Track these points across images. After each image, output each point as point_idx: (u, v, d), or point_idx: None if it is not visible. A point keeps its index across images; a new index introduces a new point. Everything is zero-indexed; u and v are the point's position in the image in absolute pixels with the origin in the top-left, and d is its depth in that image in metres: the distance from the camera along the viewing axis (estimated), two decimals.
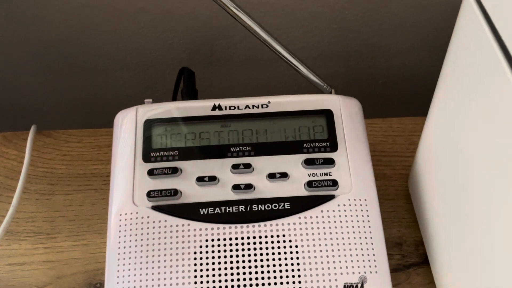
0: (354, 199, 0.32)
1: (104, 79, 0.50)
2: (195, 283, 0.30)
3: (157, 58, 0.49)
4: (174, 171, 0.32)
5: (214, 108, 0.35)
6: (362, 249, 0.31)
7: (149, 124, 0.34)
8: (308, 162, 0.33)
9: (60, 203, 0.39)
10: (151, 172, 0.32)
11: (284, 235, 0.31)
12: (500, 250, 0.25)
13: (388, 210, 0.38)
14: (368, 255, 0.31)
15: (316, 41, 0.49)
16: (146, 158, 0.33)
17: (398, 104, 0.54)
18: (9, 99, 0.52)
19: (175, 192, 0.32)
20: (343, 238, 0.31)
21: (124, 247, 0.31)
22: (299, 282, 0.30)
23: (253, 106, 0.35)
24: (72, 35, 0.46)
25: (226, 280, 0.30)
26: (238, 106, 0.35)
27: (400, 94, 0.53)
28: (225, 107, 0.35)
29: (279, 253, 0.30)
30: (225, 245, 0.30)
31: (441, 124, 0.32)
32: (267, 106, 0.35)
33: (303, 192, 0.32)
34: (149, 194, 0.32)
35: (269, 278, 0.30)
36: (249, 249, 0.30)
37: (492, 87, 0.23)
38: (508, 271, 0.24)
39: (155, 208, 0.31)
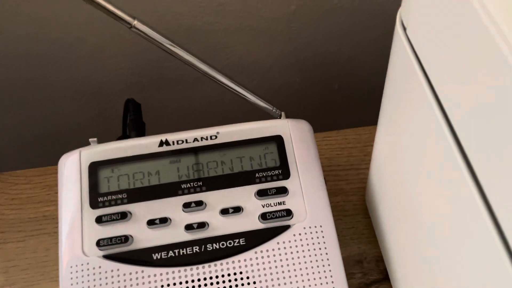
0: (310, 227, 0.32)
1: (49, 112, 0.48)
2: None
3: (105, 85, 0.47)
4: (123, 216, 0.31)
5: (161, 144, 0.34)
6: (320, 277, 0.31)
7: (95, 167, 0.33)
8: (261, 193, 0.32)
9: (12, 251, 0.38)
10: (99, 220, 0.31)
11: (241, 272, 0.30)
12: (455, 264, 0.25)
13: (347, 227, 0.38)
14: (327, 283, 0.30)
15: (266, 54, 0.48)
16: (94, 204, 0.32)
17: (353, 111, 0.54)
18: None
19: (125, 239, 0.31)
20: (300, 269, 0.31)
21: None
22: None
23: (202, 138, 0.34)
24: (11, 64, 0.44)
25: None
26: (186, 140, 0.34)
27: (355, 101, 0.53)
28: (173, 142, 0.34)
29: None
30: None
31: (388, 137, 0.32)
32: (216, 137, 0.34)
33: (257, 225, 0.32)
34: (98, 243, 0.31)
35: None
36: None
37: (421, 116, 0.23)
38: (467, 285, 0.24)
39: (106, 257, 0.30)
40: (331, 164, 0.42)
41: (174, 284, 0.30)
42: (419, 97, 0.22)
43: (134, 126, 0.38)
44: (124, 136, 0.40)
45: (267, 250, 0.31)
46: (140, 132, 0.38)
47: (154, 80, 0.48)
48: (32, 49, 0.44)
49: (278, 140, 0.34)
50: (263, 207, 0.32)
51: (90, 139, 0.35)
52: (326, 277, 0.31)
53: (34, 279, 0.36)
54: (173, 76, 0.48)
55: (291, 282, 0.30)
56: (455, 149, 0.20)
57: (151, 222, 0.31)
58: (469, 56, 0.17)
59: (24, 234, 0.39)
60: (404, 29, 0.23)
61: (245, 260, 0.31)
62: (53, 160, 0.42)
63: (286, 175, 0.33)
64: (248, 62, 0.49)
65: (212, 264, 0.30)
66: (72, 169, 0.33)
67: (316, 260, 0.31)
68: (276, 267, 0.30)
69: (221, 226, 0.31)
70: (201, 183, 0.33)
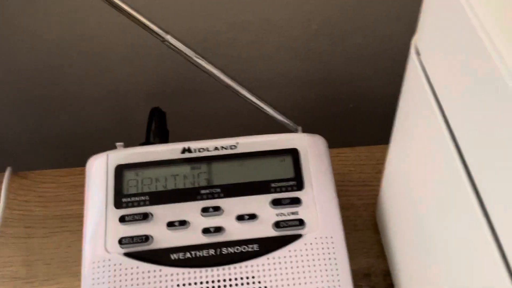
0: (321, 237, 0.33)
1: (78, 118, 0.51)
2: None
3: (130, 93, 0.50)
4: (145, 217, 0.33)
5: (183, 151, 0.36)
6: (329, 286, 0.32)
7: (120, 170, 0.35)
8: (276, 203, 0.34)
9: (36, 246, 0.40)
10: (122, 219, 0.33)
11: (253, 277, 0.32)
12: (463, 281, 0.26)
13: (356, 241, 0.39)
14: None
15: (283, 72, 0.50)
16: (118, 204, 0.34)
17: (367, 130, 0.55)
18: None
19: (146, 238, 0.32)
20: (310, 277, 0.32)
21: None
22: None
23: (222, 147, 0.36)
24: (43, 75, 0.47)
25: None
26: (207, 148, 0.36)
27: (369, 120, 0.55)
28: (194, 150, 0.36)
29: None
30: None
31: (399, 157, 0.33)
32: (236, 147, 0.36)
33: (271, 232, 0.33)
34: (120, 241, 0.32)
35: None
36: None
37: (432, 142, 0.24)
38: None
39: (127, 254, 0.32)
40: (344, 180, 0.43)
41: (190, 284, 0.31)
42: (430, 121, 0.24)
43: (158, 133, 0.40)
44: (148, 142, 0.42)
45: (279, 257, 0.32)
46: (164, 139, 0.40)
47: (178, 90, 0.50)
48: (63, 58, 0.46)
49: (294, 153, 0.36)
50: (277, 215, 0.34)
51: (117, 143, 0.37)
52: (335, 286, 0.32)
53: (55, 273, 0.38)
54: (196, 87, 0.50)
55: None
56: (464, 175, 0.21)
57: (170, 224, 0.33)
58: (476, 83, 0.19)
59: (48, 231, 0.41)
60: (418, 54, 0.25)
61: (257, 265, 0.32)
62: (79, 162, 0.45)
63: (300, 186, 0.35)
64: (267, 77, 0.51)
65: (226, 267, 0.32)
66: (99, 170, 0.35)
67: (326, 270, 0.32)
68: (287, 273, 0.32)
69: (236, 231, 0.33)
70: (219, 190, 0.34)
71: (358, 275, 0.37)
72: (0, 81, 0.47)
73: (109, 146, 0.36)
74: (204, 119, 0.52)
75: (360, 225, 0.40)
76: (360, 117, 0.55)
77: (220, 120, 0.52)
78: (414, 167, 0.30)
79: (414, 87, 0.26)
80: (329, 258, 0.33)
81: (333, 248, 0.33)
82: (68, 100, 0.50)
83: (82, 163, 0.43)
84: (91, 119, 0.51)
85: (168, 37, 0.31)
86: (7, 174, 0.43)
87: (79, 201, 0.42)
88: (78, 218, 0.41)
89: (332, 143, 0.38)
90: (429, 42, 0.23)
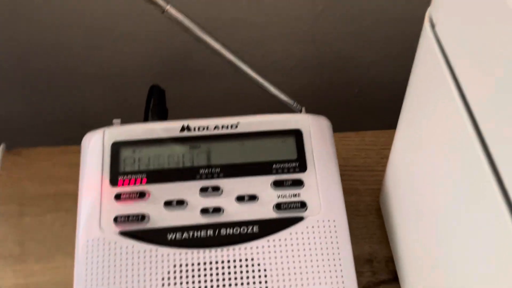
0: (323, 221, 0.32)
1: (75, 95, 0.50)
2: None
3: (128, 72, 0.48)
4: (142, 195, 0.32)
5: (182, 129, 0.34)
6: (330, 270, 0.31)
7: (117, 147, 0.34)
8: (277, 184, 0.33)
9: (30, 224, 0.39)
10: (118, 197, 0.32)
11: (252, 259, 0.31)
12: (466, 268, 0.25)
13: (359, 226, 0.38)
14: (337, 276, 0.31)
15: (289, 54, 0.49)
16: (114, 181, 0.33)
17: (373, 115, 0.54)
18: None
19: (142, 217, 0.31)
20: (311, 261, 0.31)
21: (91, 273, 0.30)
22: None
23: (222, 126, 0.35)
24: (41, 50, 0.45)
25: None
26: (207, 127, 0.35)
27: (374, 105, 0.54)
28: (194, 128, 0.34)
29: (247, 277, 0.30)
30: (193, 270, 0.30)
31: (406, 141, 0.32)
32: (237, 126, 0.35)
33: (272, 214, 0.32)
34: (116, 220, 0.31)
35: None
36: (217, 274, 0.30)
37: (445, 119, 0.23)
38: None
39: (122, 233, 0.31)
40: (347, 164, 0.42)
41: (187, 265, 0.30)
42: (445, 97, 0.23)
43: (157, 111, 0.39)
44: (146, 121, 0.41)
45: (280, 240, 0.31)
46: (163, 117, 0.39)
47: (178, 70, 0.49)
48: (60, 35, 0.45)
49: (297, 134, 0.34)
50: (278, 197, 0.32)
51: (114, 120, 0.36)
52: (336, 270, 0.31)
53: (50, 252, 0.37)
54: (197, 67, 0.49)
55: (301, 273, 0.31)
56: (482, 156, 0.19)
57: (168, 203, 0.32)
58: (499, 55, 0.18)
59: (42, 209, 0.40)
60: (433, 26, 0.23)
61: (257, 247, 0.31)
62: (75, 140, 0.43)
63: (303, 168, 0.33)
64: (271, 60, 0.50)
65: (225, 248, 0.31)
66: (95, 147, 0.34)
67: (327, 254, 0.31)
68: (287, 256, 0.31)
69: (236, 212, 0.32)
70: (219, 169, 0.33)
71: (360, 260, 0.36)
72: None
73: (106, 125, 0.35)
74: (205, 100, 0.51)
75: (363, 210, 0.39)
76: (365, 102, 0.54)
77: (221, 102, 0.51)
78: (423, 150, 0.28)
79: (427, 62, 0.25)
80: (331, 242, 0.32)
81: (336, 232, 0.32)
82: (65, 77, 0.48)
83: (78, 142, 0.42)
84: (88, 98, 0.50)
85: (169, 7, 0.30)
86: (0, 150, 0.41)
87: (75, 179, 0.41)
88: (73, 197, 0.40)
89: (337, 128, 0.37)
90: (445, 12, 0.22)
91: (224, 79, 0.49)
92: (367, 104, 0.54)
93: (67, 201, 0.40)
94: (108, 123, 0.35)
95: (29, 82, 0.48)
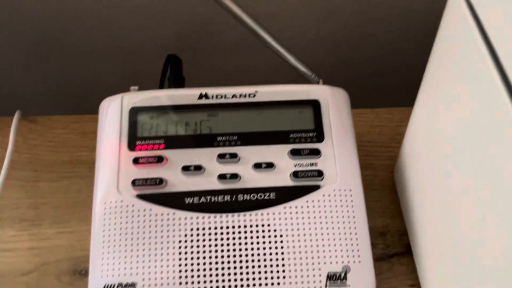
0: (339, 190, 0.32)
1: (89, 65, 0.49)
2: (180, 271, 0.30)
3: (143, 44, 0.48)
4: (160, 160, 0.32)
5: (200, 96, 0.34)
6: (346, 239, 0.31)
7: (135, 112, 0.34)
8: (294, 153, 0.33)
9: (45, 190, 0.39)
10: (136, 161, 0.32)
11: (269, 225, 0.31)
12: (482, 241, 0.25)
13: (373, 200, 0.38)
14: (352, 245, 0.31)
15: (304, 30, 0.48)
16: (131, 146, 0.33)
17: (386, 94, 0.54)
18: None
19: (160, 181, 0.31)
20: (327, 228, 0.31)
21: (109, 235, 0.31)
22: (283, 271, 0.30)
23: (240, 95, 0.35)
24: (57, 19, 0.45)
25: (210, 269, 0.30)
26: (225, 95, 0.34)
27: (388, 84, 0.53)
28: (212, 96, 0.34)
29: (263, 243, 0.30)
30: (210, 234, 0.30)
31: (426, 115, 0.32)
32: (254, 95, 0.35)
33: (288, 182, 0.32)
34: (134, 183, 0.31)
35: (253, 267, 0.30)
36: (233, 239, 0.30)
37: (475, 81, 0.23)
38: (490, 263, 0.25)
39: (140, 196, 0.31)
40: (362, 140, 0.42)
41: (203, 229, 0.30)
42: (475, 57, 0.22)
43: (174, 79, 0.38)
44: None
45: (296, 207, 0.31)
46: (180, 86, 0.39)
47: (194, 43, 0.49)
48: (78, 6, 0.45)
49: (315, 104, 0.34)
50: (295, 166, 0.33)
51: (131, 87, 0.36)
52: (351, 239, 0.31)
53: (64, 217, 0.38)
54: (212, 42, 0.48)
55: (317, 240, 0.31)
56: None
57: (186, 168, 0.32)
58: None
59: (57, 175, 0.40)
60: None
61: (273, 213, 0.31)
62: (88, 110, 0.44)
63: (320, 138, 0.33)
64: (285, 36, 0.49)
65: (241, 214, 0.31)
66: (113, 112, 0.34)
67: (343, 222, 0.31)
68: (303, 223, 0.31)
69: (253, 179, 0.32)
70: (236, 137, 0.33)
71: (374, 233, 0.36)
72: (13, 27, 0.46)
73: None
74: (220, 73, 0.51)
75: (377, 185, 0.39)
76: (380, 81, 0.53)
77: (237, 75, 0.51)
78: (447, 118, 0.28)
79: (454, 25, 0.25)
80: (347, 211, 0.32)
81: (352, 201, 0.32)
82: (81, 48, 0.48)
83: (91, 111, 0.42)
84: (103, 69, 0.50)
85: None
86: (16, 117, 0.42)
87: (89, 147, 0.42)
88: (87, 164, 0.40)
89: (351, 104, 0.36)
90: None
91: (240, 52, 0.49)
92: (381, 83, 0.54)
93: (82, 168, 0.40)
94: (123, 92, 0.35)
95: (44, 52, 0.48)
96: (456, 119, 0.26)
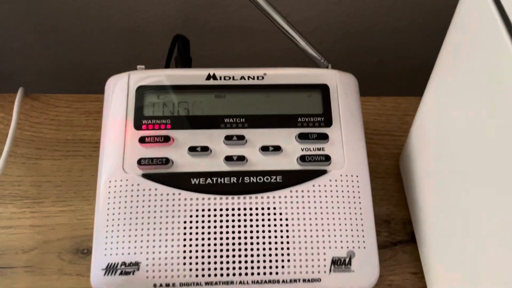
0: (346, 175, 0.32)
1: (94, 44, 0.49)
2: (184, 252, 0.30)
3: (149, 25, 0.48)
4: (166, 139, 0.32)
5: (208, 77, 0.34)
6: (351, 224, 0.31)
7: (142, 91, 0.33)
8: (302, 137, 0.32)
9: (47, 168, 0.39)
10: (142, 140, 0.32)
11: (275, 208, 0.31)
12: (486, 230, 0.25)
13: (378, 187, 0.38)
14: (357, 230, 0.31)
15: (313, 15, 0.48)
16: (138, 125, 0.32)
17: (392, 83, 0.53)
18: None
19: (166, 161, 0.31)
20: (333, 213, 0.31)
21: (113, 214, 0.30)
22: (288, 254, 0.30)
23: (249, 77, 0.34)
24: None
25: (215, 250, 0.30)
26: (233, 77, 0.34)
27: (395, 73, 0.53)
28: (220, 77, 0.34)
29: (269, 226, 0.30)
30: (215, 215, 0.30)
31: (437, 105, 0.32)
32: (263, 78, 0.34)
33: (295, 166, 0.32)
34: (140, 162, 0.31)
35: (258, 249, 0.30)
36: (239, 221, 0.30)
37: (493, 70, 0.23)
38: (494, 252, 0.25)
39: (145, 176, 0.31)
40: (368, 128, 0.41)
41: (209, 210, 0.30)
42: (495, 51, 0.22)
43: (182, 60, 0.38)
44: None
45: (303, 191, 0.31)
46: (187, 66, 0.38)
47: (199, 26, 0.48)
48: None
49: (324, 89, 0.34)
50: (303, 150, 0.32)
51: (138, 66, 0.35)
52: (357, 224, 0.31)
53: (67, 195, 0.37)
54: (219, 24, 0.48)
55: (322, 224, 0.31)
56: None
57: (192, 149, 0.32)
58: None
59: (60, 153, 0.39)
60: None
61: (279, 197, 0.31)
62: (92, 89, 0.43)
63: (328, 123, 0.33)
64: (293, 20, 0.49)
65: (247, 196, 0.31)
66: (120, 90, 0.33)
67: (349, 208, 0.31)
68: (309, 207, 0.31)
69: (260, 162, 0.32)
70: (243, 119, 0.33)
71: (378, 221, 0.36)
72: (18, 5, 0.45)
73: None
74: (227, 56, 0.50)
75: (383, 173, 0.39)
76: (386, 69, 0.53)
77: (244, 58, 0.50)
78: (457, 112, 0.28)
79: (472, 12, 0.24)
80: (353, 197, 0.32)
81: (358, 187, 0.32)
82: (86, 26, 0.47)
83: (94, 91, 0.42)
84: (108, 49, 0.49)
85: None
86: (19, 94, 0.41)
87: (93, 127, 0.41)
88: (91, 144, 0.40)
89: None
90: None
91: (246, 35, 0.49)
92: (387, 72, 0.53)
93: (85, 147, 0.40)
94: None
95: (48, 30, 0.47)
96: (469, 110, 0.26)
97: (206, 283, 0.29)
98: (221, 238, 0.30)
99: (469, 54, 0.25)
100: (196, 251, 0.29)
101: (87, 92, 0.43)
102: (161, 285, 0.29)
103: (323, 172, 0.32)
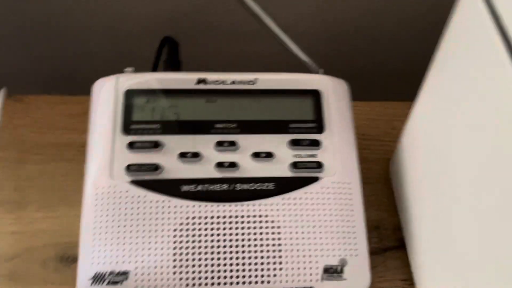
0: (338, 182, 0.32)
1: (79, 45, 0.48)
2: (174, 260, 0.29)
3: (136, 25, 0.47)
4: (156, 145, 0.31)
5: (199, 81, 0.33)
6: (343, 232, 0.31)
7: (130, 95, 0.32)
8: (294, 143, 0.32)
9: (30, 172, 0.37)
10: (131, 145, 0.31)
11: (266, 215, 0.30)
12: (478, 238, 0.25)
13: (368, 194, 0.38)
14: (349, 238, 0.31)
15: (301, 18, 0.47)
16: (126, 130, 0.32)
17: (380, 88, 0.54)
18: None
19: (156, 167, 0.30)
20: (325, 221, 0.31)
21: (100, 222, 0.29)
22: (280, 263, 0.29)
23: (240, 82, 0.34)
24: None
25: (206, 259, 0.29)
26: (224, 81, 0.34)
27: (382, 78, 0.53)
28: (211, 81, 0.33)
29: (260, 233, 0.30)
30: (206, 223, 0.30)
31: (430, 110, 0.32)
32: (254, 83, 0.34)
33: (287, 173, 0.31)
34: (128, 168, 0.30)
35: (249, 258, 0.29)
36: (230, 228, 0.30)
37: (489, 78, 0.23)
38: (486, 259, 0.25)
39: (134, 182, 0.30)
40: (357, 133, 0.41)
41: (200, 217, 0.30)
42: (490, 57, 0.22)
43: (171, 63, 0.37)
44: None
45: (295, 198, 0.31)
46: (176, 70, 0.38)
47: (188, 28, 0.47)
48: None
49: (315, 94, 0.34)
50: (294, 156, 0.32)
51: (125, 69, 0.34)
52: (349, 232, 0.31)
53: (51, 201, 0.36)
54: (209, 26, 0.47)
55: (314, 232, 0.30)
56: None
57: (182, 155, 0.31)
58: None
59: (43, 157, 0.38)
60: None
61: (271, 204, 0.31)
62: (76, 91, 0.42)
63: (320, 129, 0.33)
64: (280, 23, 0.48)
65: (239, 204, 0.30)
66: (107, 93, 0.33)
67: (341, 215, 0.31)
68: (301, 215, 0.30)
69: (251, 168, 0.31)
70: (235, 125, 0.32)
71: (368, 227, 0.35)
72: (1, 4, 0.43)
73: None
74: (217, 59, 0.50)
75: (372, 178, 0.39)
76: (375, 73, 0.53)
77: (234, 61, 0.50)
78: (452, 118, 0.28)
79: (467, 19, 0.24)
80: (345, 204, 0.31)
81: (350, 194, 0.32)
82: (70, 27, 0.46)
83: (80, 93, 0.40)
84: (93, 51, 0.48)
85: None
86: (1, 95, 0.40)
87: (77, 130, 0.40)
88: (75, 148, 0.39)
89: None
90: None
91: (236, 38, 0.48)
92: (374, 76, 0.53)
93: (69, 151, 0.39)
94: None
95: (32, 29, 0.46)
96: (465, 117, 0.26)
97: None
98: (212, 246, 0.29)
99: (466, 60, 0.25)
100: (187, 259, 0.29)
101: (72, 93, 0.42)
102: None
103: (315, 179, 0.31)
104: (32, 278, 0.33)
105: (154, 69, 0.40)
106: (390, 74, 0.53)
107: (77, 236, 0.29)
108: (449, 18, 0.27)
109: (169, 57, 0.38)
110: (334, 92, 0.34)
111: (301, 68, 0.36)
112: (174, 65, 0.37)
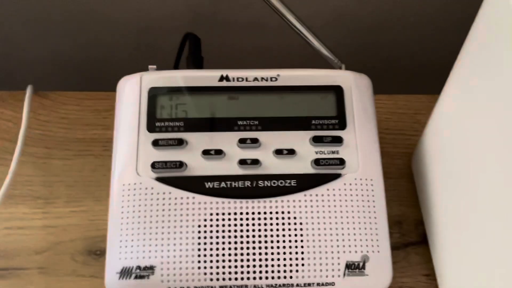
0: (361, 179, 0.32)
1: (101, 42, 0.48)
2: (199, 255, 0.30)
3: (157, 22, 0.47)
4: (180, 142, 0.32)
5: (221, 79, 0.34)
6: (365, 228, 0.31)
7: (154, 93, 0.33)
8: (316, 140, 0.32)
9: (58, 167, 0.38)
10: (156, 143, 0.32)
11: (289, 212, 0.31)
12: (501, 233, 0.25)
13: (389, 188, 0.37)
14: (371, 234, 0.31)
15: (321, 12, 0.47)
16: (151, 128, 0.32)
17: (403, 81, 0.53)
18: (4, 57, 0.50)
19: (180, 164, 0.31)
20: (347, 217, 0.31)
21: (127, 218, 0.30)
22: (302, 259, 0.30)
23: (262, 78, 0.34)
24: None
25: (229, 255, 0.30)
26: (246, 78, 0.34)
27: (405, 71, 0.53)
28: (233, 78, 0.34)
29: (283, 230, 0.30)
30: (229, 219, 0.30)
31: (456, 105, 0.31)
32: (276, 79, 0.34)
33: (309, 169, 0.32)
34: (153, 165, 0.31)
35: (272, 254, 0.30)
36: (253, 225, 0.30)
37: None
38: (509, 254, 0.25)
39: (159, 179, 0.31)
40: (379, 127, 0.41)
41: (223, 214, 0.30)
42: None
43: (193, 60, 0.37)
44: (176, 69, 0.40)
45: (317, 195, 0.31)
46: (198, 66, 0.38)
47: (208, 23, 0.47)
48: None
49: (338, 90, 0.34)
50: (317, 153, 0.32)
51: (149, 66, 0.35)
52: (371, 228, 0.31)
53: (79, 196, 0.37)
54: (229, 20, 0.47)
55: (336, 228, 0.30)
56: None
57: (206, 152, 0.31)
58: None
59: (71, 153, 0.39)
60: None
61: (294, 201, 0.31)
62: (102, 87, 0.43)
63: (342, 125, 0.33)
64: (302, 14, 0.48)
65: (262, 200, 0.31)
66: (131, 92, 0.33)
67: (364, 212, 0.31)
68: (323, 212, 0.31)
69: (273, 165, 0.32)
70: (257, 122, 0.33)
71: (390, 222, 0.35)
72: (28, 2, 0.44)
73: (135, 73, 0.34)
74: (237, 54, 0.50)
75: (394, 173, 0.39)
76: (398, 67, 0.53)
77: (256, 56, 0.50)
78: (479, 114, 0.27)
79: (496, 6, 0.24)
80: (368, 201, 0.31)
81: (372, 191, 0.32)
82: (95, 25, 0.47)
83: (104, 88, 0.41)
84: (115, 46, 0.49)
85: None
86: (28, 92, 0.41)
87: (103, 125, 0.41)
88: (102, 143, 0.40)
89: None
90: None
91: (256, 32, 0.48)
92: (397, 69, 0.53)
93: (96, 146, 0.40)
94: (136, 72, 0.34)
95: (57, 28, 0.47)
96: (490, 113, 0.26)
97: (221, 287, 0.29)
98: (235, 242, 0.30)
99: (494, 55, 0.25)
100: (211, 255, 0.30)
101: (96, 89, 0.43)
102: None
103: (338, 175, 0.32)
104: (62, 270, 0.34)
105: (176, 65, 0.40)
106: (413, 67, 0.52)
107: (105, 230, 0.30)
108: (476, 11, 0.27)
109: (191, 54, 0.38)
110: (356, 88, 0.34)
111: (322, 62, 0.36)
112: (197, 62, 0.38)
